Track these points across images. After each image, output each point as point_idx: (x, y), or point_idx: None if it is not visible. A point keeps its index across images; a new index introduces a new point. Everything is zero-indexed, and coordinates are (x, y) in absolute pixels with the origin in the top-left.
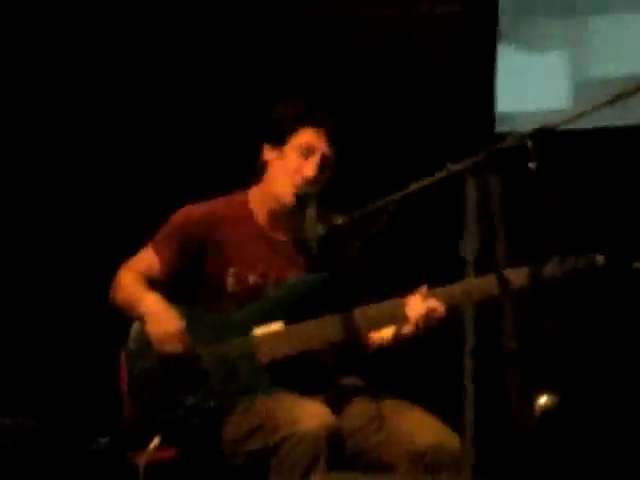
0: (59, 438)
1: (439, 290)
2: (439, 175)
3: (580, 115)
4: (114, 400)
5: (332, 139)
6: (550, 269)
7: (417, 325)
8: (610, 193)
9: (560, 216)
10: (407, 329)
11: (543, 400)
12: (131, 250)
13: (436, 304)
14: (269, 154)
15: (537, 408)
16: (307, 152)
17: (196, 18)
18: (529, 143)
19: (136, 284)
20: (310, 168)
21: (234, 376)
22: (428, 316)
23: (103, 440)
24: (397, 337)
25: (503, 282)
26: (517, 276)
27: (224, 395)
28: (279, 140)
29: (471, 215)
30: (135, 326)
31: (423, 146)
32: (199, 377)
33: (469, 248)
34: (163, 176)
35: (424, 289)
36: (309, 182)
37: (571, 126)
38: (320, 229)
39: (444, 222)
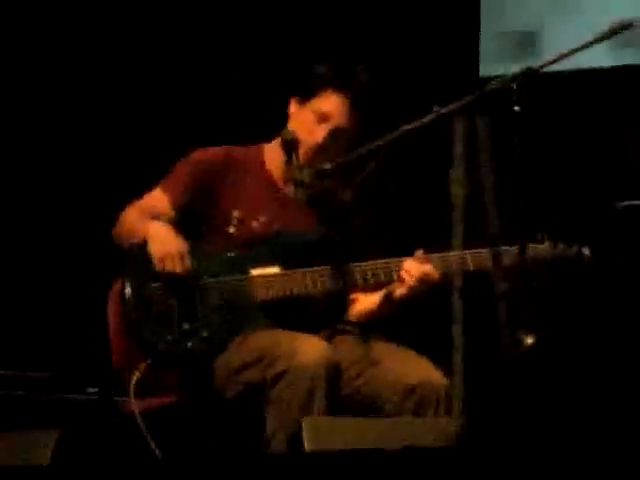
0: (53, 388)
1: (435, 256)
2: (427, 118)
3: (564, 56)
4: (103, 350)
5: (356, 112)
6: (540, 252)
7: (410, 287)
8: (594, 135)
9: (546, 162)
10: (400, 291)
11: (529, 339)
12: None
13: (431, 270)
14: (293, 107)
15: (523, 346)
16: (322, 118)
17: None
18: (514, 86)
19: (141, 216)
20: (318, 135)
21: (231, 309)
22: (421, 278)
23: (92, 390)
24: (389, 297)
25: (496, 258)
26: (509, 254)
27: (219, 326)
28: (304, 97)
29: (458, 160)
30: (134, 249)
31: (409, 90)
32: (196, 304)
33: (457, 194)
34: (181, 127)
35: (420, 253)
36: (314, 149)
37: (556, 68)
38: (306, 174)
39: (433, 166)
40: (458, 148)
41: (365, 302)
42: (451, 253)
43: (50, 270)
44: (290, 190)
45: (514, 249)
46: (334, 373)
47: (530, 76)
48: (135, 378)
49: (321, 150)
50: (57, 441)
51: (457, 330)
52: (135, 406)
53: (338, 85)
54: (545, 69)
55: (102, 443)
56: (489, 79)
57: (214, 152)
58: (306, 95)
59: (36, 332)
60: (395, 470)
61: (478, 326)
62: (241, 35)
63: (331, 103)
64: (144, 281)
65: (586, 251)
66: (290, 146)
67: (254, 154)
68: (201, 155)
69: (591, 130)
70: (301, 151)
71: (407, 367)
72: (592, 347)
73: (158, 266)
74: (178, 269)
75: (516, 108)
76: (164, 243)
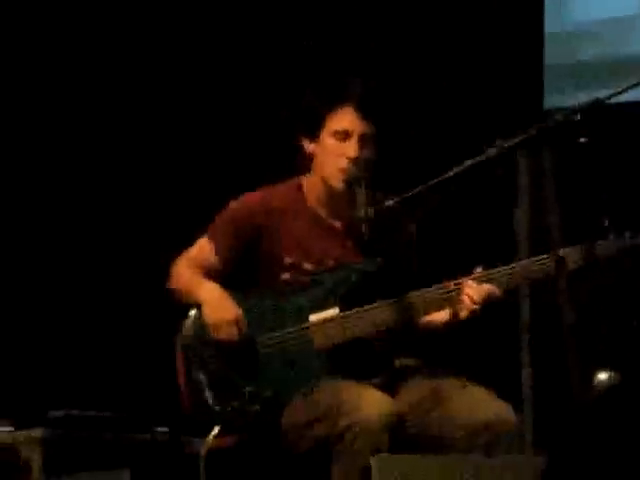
0: (122, 428)
1: (495, 272)
2: (491, 152)
3: (631, 87)
4: (172, 390)
5: (368, 116)
6: (605, 246)
7: (473, 310)
8: None
9: (614, 192)
10: (463, 314)
11: (603, 376)
12: (187, 240)
13: (492, 288)
14: (309, 146)
15: (597, 384)
16: (344, 135)
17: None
18: (579, 117)
19: (193, 273)
20: (351, 149)
21: (291, 363)
22: (484, 300)
23: (162, 430)
24: (452, 321)
25: (559, 262)
26: (572, 255)
27: (282, 382)
28: (314, 131)
29: (523, 192)
30: (191, 313)
31: (472, 124)
32: (256, 364)
33: (522, 226)
34: (212, 170)
35: (479, 270)
36: (353, 163)
37: (622, 99)
38: (370, 212)
39: (497, 200)
40: (522, 181)
41: (431, 320)
42: (510, 266)
43: (122, 308)
44: (338, 223)
45: (574, 249)
46: (397, 424)
47: (597, 107)
48: (206, 448)
49: (359, 163)
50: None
51: (526, 361)
52: (202, 447)
53: (341, 102)
54: (614, 99)
55: None
56: (553, 111)
57: (252, 200)
58: (315, 127)
59: (107, 371)
60: None
61: (548, 362)
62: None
63: (344, 119)
64: (203, 348)
65: None
66: (352, 184)
67: (293, 192)
68: (240, 206)
69: None
70: (340, 174)
71: (476, 404)
72: None
73: (214, 334)
74: (233, 336)
75: (582, 140)
76: (217, 309)
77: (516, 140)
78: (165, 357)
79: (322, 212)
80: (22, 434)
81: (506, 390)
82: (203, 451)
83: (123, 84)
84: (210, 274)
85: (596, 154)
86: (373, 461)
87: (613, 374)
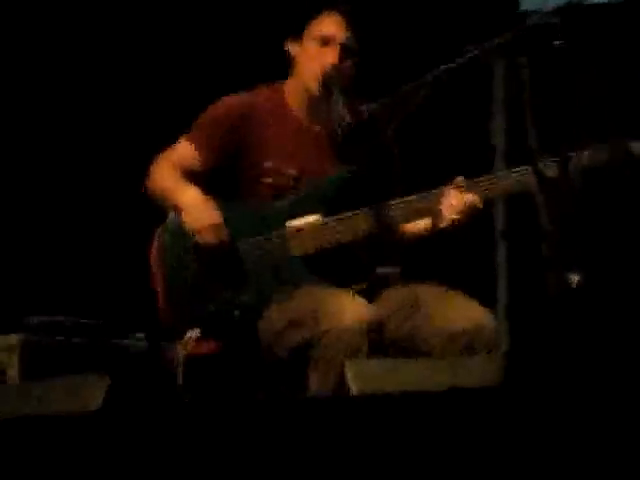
0: (99, 334)
1: (475, 183)
2: (465, 57)
3: None
4: (149, 295)
5: (351, 26)
6: (584, 158)
7: (453, 220)
8: None
9: (592, 97)
10: (443, 223)
11: (576, 278)
12: (167, 140)
13: (472, 197)
14: (292, 48)
15: (570, 284)
16: (325, 41)
17: None
18: (555, 20)
19: (173, 176)
20: (331, 55)
21: (271, 269)
22: (464, 211)
23: (139, 335)
24: (432, 230)
25: (539, 175)
26: (553, 167)
27: (261, 288)
28: (298, 33)
29: (499, 99)
30: (171, 217)
31: (444, 28)
32: (236, 270)
33: (498, 133)
34: (194, 70)
35: (460, 181)
36: (333, 68)
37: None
38: (347, 117)
39: (473, 107)
40: (498, 88)
41: (411, 228)
42: (492, 175)
43: (97, 213)
44: (317, 128)
45: (554, 162)
46: (375, 331)
47: (574, 9)
48: (183, 351)
49: (338, 69)
50: (108, 386)
51: (502, 264)
52: (179, 354)
53: (326, 9)
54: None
55: (147, 389)
56: (529, 13)
57: (234, 102)
58: (300, 29)
59: (83, 277)
60: (438, 411)
61: (523, 260)
62: None
63: (328, 24)
64: (181, 252)
65: (637, 147)
66: (329, 88)
67: (274, 96)
68: (223, 108)
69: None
70: (317, 78)
71: (455, 310)
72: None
73: (194, 239)
74: (214, 241)
75: (558, 43)
76: (198, 214)
77: (492, 44)
78: (141, 262)
79: (302, 117)
80: None
81: (482, 297)
82: (181, 356)
83: None
84: (191, 176)
85: (573, 59)
86: (347, 365)
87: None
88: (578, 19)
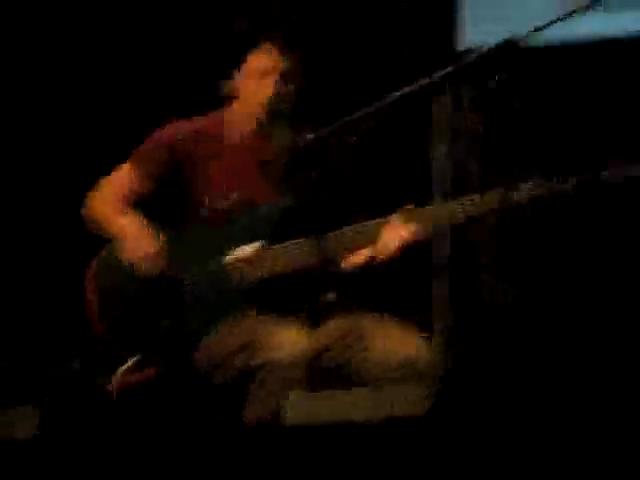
0: (32, 363)
1: (416, 214)
2: (407, 90)
3: (544, 28)
4: (83, 322)
5: (288, 52)
6: (524, 191)
7: (393, 250)
8: (577, 105)
9: (529, 129)
10: (383, 253)
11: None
12: (107, 166)
13: (413, 230)
14: (231, 82)
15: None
16: (264, 73)
17: None
18: (494, 57)
19: (112, 203)
20: (270, 87)
21: (211, 298)
22: (404, 241)
23: (74, 363)
24: (373, 259)
25: (481, 203)
26: (493, 199)
27: (200, 318)
28: (235, 67)
29: (441, 131)
30: (109, 246)
31: (387, 62)
32: (175, 300)
33: (439, 165)
34: (137, 102)
35: (401, 211)
36: (273, 100)
37: (537, 39)
38: (289, 147)
39: (414, 138)
40: (438, 120)
41: (352, 258)
42: (432, 207)
43: (32, 237)
44: (260, 158)
45: (493, 193)
46: (315, 362)
47: (511, 47)
48: (119, 381)
49: (280, 99)
50: (40, 416)
51: (440, 294)
52: (115, 384)
53: (261, 38)
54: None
55: (84, 418)
56: (467, 50)
57: (178, 129)
58: (236, 63)
59: (16, 306)
60: (372, 441)
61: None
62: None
63: (263, 58)
64: (119, 281)
65: (572, 182)
66: (272, 120)
67: (215, 125)
68: (165, 134)
69: (576, 102)
70: (259, 110)
71: (392, 341)
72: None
73: (132, 269)
74: (151, 271)
75: (496, 79)
76: (136, 244)
77: (431, 79)
78: (77, 290)
79: (244, 147)
80: None
81: (420, 326)
82: (116, 385)
83: None
84: (130, 203)
85: (511, 93)
86: (285, 396)
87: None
88: (515, 58)
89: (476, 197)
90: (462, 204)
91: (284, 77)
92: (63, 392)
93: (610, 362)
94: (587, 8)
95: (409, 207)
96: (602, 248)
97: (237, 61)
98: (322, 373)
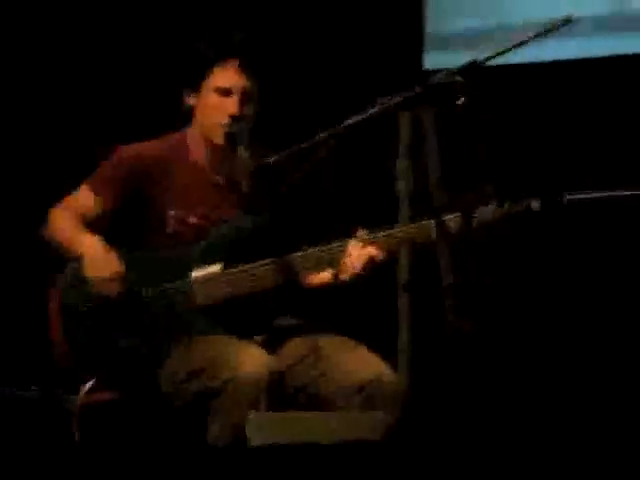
0: None
1: (378, 235)
2: (372, 111)
3: (508, 50)
4: (44, 344)
5: (250, 72)
6: (486, 213)
7: (354, 273)
8: (541, 127)
9: (494, 152)
10: (344, 276)
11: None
12: (64, 189)
13: (375, 251)
14: (191, 100)
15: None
16: (225, 91)
17: None
18: (458, 79)
19: (73, 224)
20: (232, 106)
21: (172, 319)
22: (366, 263)
23: (35, 388)
24: (335, 281)
25: (440, 226)
26: (454, 220)
27: (163, 337)
28: (196, 85)
29: (404, 152)
30: (70, 266)
31: (353, 81)
32: (136, 320)
33: (403, 187)
34: (94, 120)
35: (362, 234)
36: (234, 120)
37: (501, 61)
38: (251, 168)
39: (378, 158)
40: (404, 142)
41: (314, 280)
42: (395, 228)
43: None
44: (220, 178)
45: (456, 216)
46: (276, 383)
47: (476, 69)
48: (80, 403)
49: (241, 119)
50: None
51: (404, 322)
52: (76, 404)
53: (222, 59)
54: (491, 62)
55: (42, 441)
56: (433, 71)
57: (136, 150)
58: (196, 82)
59: None
60: (326, 464)
61: (425, 311)
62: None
63: (226, 75)
64: (81, 302)
65: (535, 204)
66: (233, 139)
67: (177, 145)
68: (124, 156)
69: (540, 122)
70: (221, 130)
71: (355, 363)
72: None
73: (95, 290)
74: (114, 291)
75: (461, 101)
76: (99, 264)
77: (397, 100)
78: (38, 312)
79: (205, 166)
80: None
81: (383, 350)
82: (77, 407)
83: None
84: (91, 223)
85: (476, 116)
86: (247, 417)
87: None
88: (480, 79)
89: (434, 220)
90: (420, 226)
91: (245, 96)
92: (25, 413)
93: (572, 386)
94: (552, 30)
95: (364, 231)
96: (567, 270)
97: (198, 79)
98: (283, 394)
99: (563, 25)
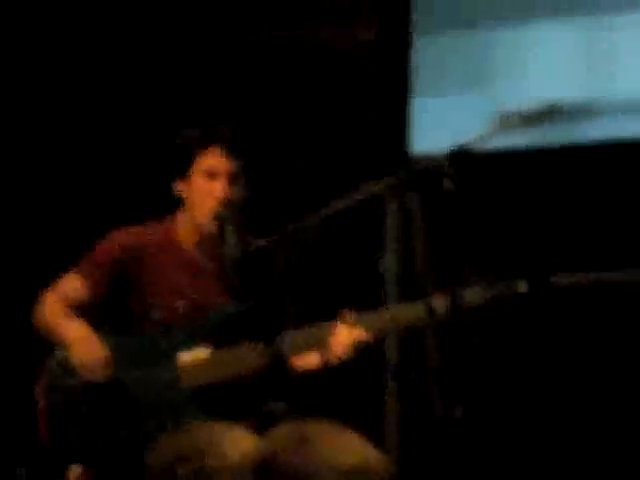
0: None
1: (365, 318)
2: (358, 195)
3: (494, 136)
4: (30, 428)
5: (236, 155)
6: (473, 295)
7: (342, 355)
8: (530, 213)
9: (480, 237)
10: (332, 357)
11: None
12: (53, 274)
13: (362, 333)
14: (180, 186)
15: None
16: (212, 175)
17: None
18: (446, 164)
19: (60, 310)
20: (219, 189)
21: (160, 402)
22: (352, 346)
23: (20, 471)
24: (322, 364)
25: (429, 310)
26: (441, 303)
27: (149, 422)
28: (184, 171)
29: (391, 236)
30: (57, 352)
31: (338, 166)
32: (124, 405)
33: (390, 270)
34: (90, 199)
35: (350, 316)
36: (222, 203)
37: (488, 148)
38: (239, 252)
39: (365, 243)
40: (390, 226)
41: (301, 363)
42: (382, 310)
43: None
44: (208, 264)
45: (443, 298)
46: (264, 469)
47: (463, 154)
48: None
49: (229, 202)
50: None
51: (392, 406)
52: None
53: (206, 143)
54: (478, 148)
55: None
56: (420, 156)
57: (124, 239)
58: (184, 168)
59: None
60: None
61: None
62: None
63: (212, 159)
64: (67, 387)
65: (523, 286)
66: (222, 223)
67: (165, 231)
68: (111, 243)
69: (527, 209)
70: (209, 214)
71: (345, 449)
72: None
73: (81, 376)
74: (100, 377)
75: (448, 186)
76: (86, 349)
77: (383, 185)
78: (25, 397)
79: (193, 251)
80: None
81: (371, 434)
82: None
83: None
84: (79, 307)
85: (462, 201)
86: None
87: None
88: (466, 165)
89: (422, 302)
90: (409, 307)
91: (232, 179)
92: None
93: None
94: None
95: (350, 314)
96: (555, 353)
97: (186, 166)
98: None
99: (553, 113)
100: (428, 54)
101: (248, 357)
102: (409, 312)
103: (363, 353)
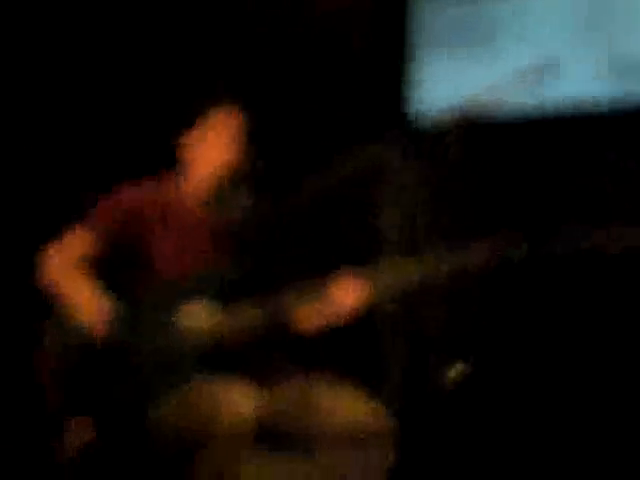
0: None
1: (368, 275)
2: (359, 157)
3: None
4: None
5: (239, 116)
6: (475, 254)
7: (345, 312)
8: (529, 181)
9: (481, 204)
10: (336, 315)
11: (452, 372)
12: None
13: (366, 291)
14: (184, 146)
15: (448, 379)
16: (216, 136)
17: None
18: (448, 124)
19: (65, 268)
20: (222, 150)
21: (164, 364)
22: (357, 303)
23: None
24: (324, 321)
25: (434, 267)
26: (445, 262)
27: (153, 384)
28: (188, 131)
29: (391, 197)
30: (61, 311)
31: (339, 127)
32: (126, 367)
33: (390, 227)
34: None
35: (352, 273)
36: (226, 164)
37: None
38: (242, 212)
39: (366, 202)
40: (390, 183)
41: (304, 319)
42: (382, 270)
43: None
44: (210, 222)
45: (446, 256)
46: (266, 427)
47: (466, 122)
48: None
49: (230, 165)
50: None
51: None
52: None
53: (210, 102)
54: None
55: None
56: (419, 116)
57: (132, 193)
58: (189, 128)
59: None
60: None
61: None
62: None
63: (214, 118)
64: (71, 347)
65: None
66: (230, 176)
67: (174, 187)
68: (120, 196)
69: (527, 177)
70: (209, 175)
71: (347, 405)
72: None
73: (82, 335)
74: (103, 338)
75: (451, 152)
76: (88, 310)
77: (383, 143)
78: (25, 359)
79: (197, 211)
80: None
81: (372, 388)
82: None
83: None
84: (83, 266)
85: (464, 167)
86: (237, 465)
87: (460, 369)
88: (468, 126)
89: (426, 258)
90: (412, 265)
91: (236, 140)
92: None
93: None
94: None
95: (354, 268)
96: (554, 318)
97: (190, 124)
98: (274, 437)
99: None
100: (427, 13)
101: (250, 315)
102: (412, 269)
103: (366, 311)
